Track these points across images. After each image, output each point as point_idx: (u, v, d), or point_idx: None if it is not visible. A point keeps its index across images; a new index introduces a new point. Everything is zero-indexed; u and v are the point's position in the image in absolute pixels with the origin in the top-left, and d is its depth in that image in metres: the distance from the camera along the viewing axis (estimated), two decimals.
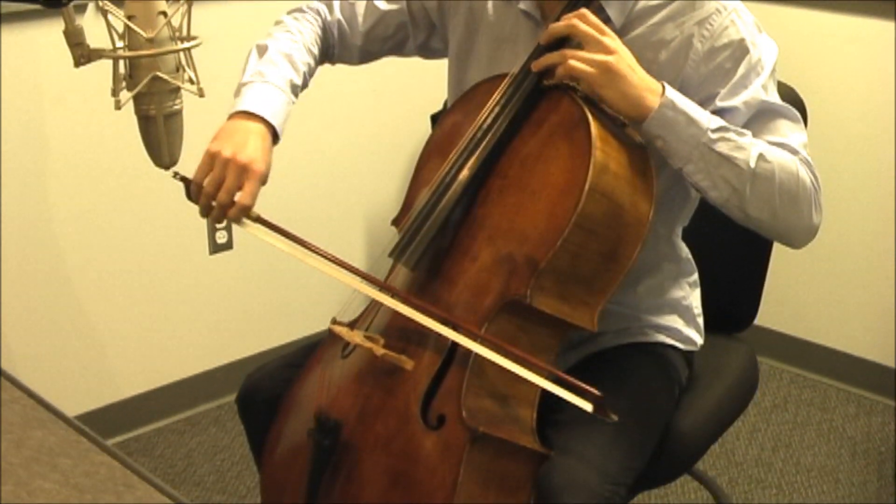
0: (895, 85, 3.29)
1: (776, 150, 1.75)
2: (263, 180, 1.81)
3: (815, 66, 3.44)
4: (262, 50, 1.99)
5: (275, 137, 1.89)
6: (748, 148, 1.72)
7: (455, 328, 1.70)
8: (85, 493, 1.20)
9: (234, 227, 1.84)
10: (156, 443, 3.28)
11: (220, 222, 1.80)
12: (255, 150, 1.81)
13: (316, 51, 2.08)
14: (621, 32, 1.82)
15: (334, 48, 2.14)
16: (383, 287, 1.79)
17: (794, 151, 1.77)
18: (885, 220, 3.40)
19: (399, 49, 2.17)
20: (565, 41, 1.79)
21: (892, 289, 3.43)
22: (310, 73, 2.06)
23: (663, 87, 1.72)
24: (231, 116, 1.87)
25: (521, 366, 1.68)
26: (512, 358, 1.68)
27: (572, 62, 1.73)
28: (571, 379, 1.68)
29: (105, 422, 3.17)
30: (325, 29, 2.12)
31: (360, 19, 2.12)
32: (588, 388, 1.66)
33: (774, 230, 1.82)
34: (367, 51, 2.16)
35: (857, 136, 3.42)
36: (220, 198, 1.77)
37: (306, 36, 2.06)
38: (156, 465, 3.16)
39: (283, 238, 1.78)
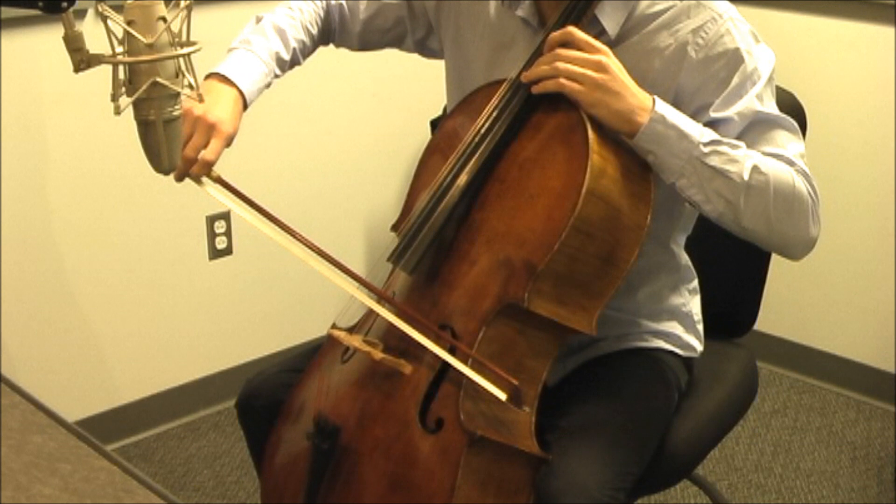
0: (895, 90, 3.29)
1: (771, 162, 1.74)
2: (229, 141, 1.84)
3: (815, 71, 3.44)
4: (258, 20, 2.05)
5: (245, 105, 1.93)
6: (741, 160, 1.72)
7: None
8: (84, 498, 1.20)
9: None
10: (155, 448, 3.28)
11: (180, 181, 1.82)
12: (225, 112, 1.85)
13: (314, 31, 2.10)
14: (616, 42, 1.82)
15: (335, 31, 2.17)
16: (355, 277, 1.79)
17: (791, 162, 1.76)
18: (885, 225, 3.40)
19: (398, 43, 2.18)
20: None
21: (892, 294, 3.43)
22: (303, 52, 2.10)
23: (654, 101, 1.72)
24: (208, 76, 1.90)
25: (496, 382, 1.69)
26: (503, 381, 1.69)
27: (564, 81, 1.73)
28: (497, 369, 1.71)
29: (105, 427, 3.17)
30: (328, 11, 2.14)
31: (362, 6, 2.14)
32: (506, 376, 1.69)
33: (771, 242, 1.81)
34: (365, 39, 2.17)
35: (858, 141, 3.42)
36: (185, 153, 1.79)
37: (306, 14, 2.09)
38: (155, 471, 3.15)
39: (243, 203, 1.79)
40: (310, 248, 1.79)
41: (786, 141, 1.79)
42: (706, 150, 1.71)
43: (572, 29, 1.76)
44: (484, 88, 1.89)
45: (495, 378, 1.70)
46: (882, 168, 3.37)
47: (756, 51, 1.80)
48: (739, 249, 2.06)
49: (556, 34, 1.77)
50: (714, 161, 1.71)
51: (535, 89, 1.77)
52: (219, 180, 1.82)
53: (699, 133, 1.72)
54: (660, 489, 2.13)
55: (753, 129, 1.78)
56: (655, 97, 1.72)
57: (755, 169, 1.71)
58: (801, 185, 1.75)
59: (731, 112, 1.77)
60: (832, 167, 3.29)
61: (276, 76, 2.04)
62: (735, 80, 1.77)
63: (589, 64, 1.72)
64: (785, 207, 1.74)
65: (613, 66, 1.73)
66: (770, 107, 1.80)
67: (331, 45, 2.22)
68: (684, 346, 2.06)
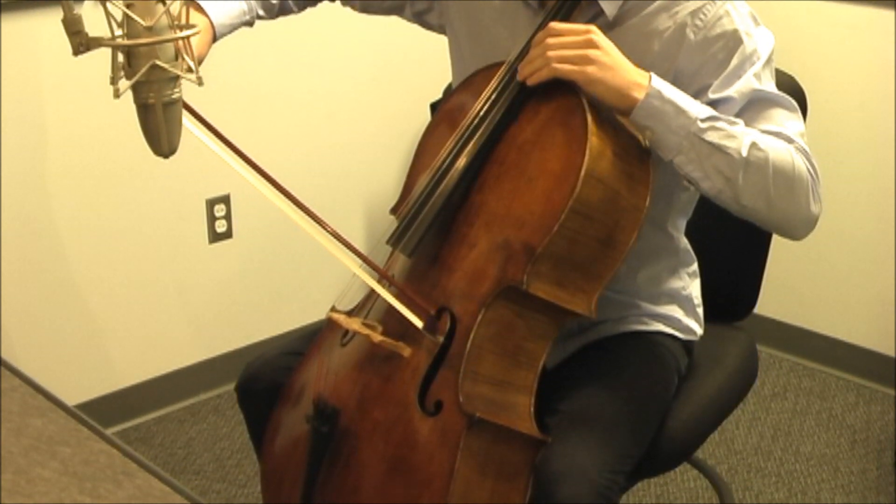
0: (895, 74, 3.29)
1: (770, 139, 1.74)
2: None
3: (816, 54, 3.43)
4: None
5: (215, 37, 1.93)
6: (739, 136, 1.71)
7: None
8: (84, 481, 1.20)
9: None
10: (155, 431, 3.28)
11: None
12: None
13: None
14: (614, 24, 1.82)
15: None
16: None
17: (790, 140, 1.76)
18: (886, 209, 3.40)
19: (398, 11, 2.18)
20: (555, 16, 1.80)
21: (892, 278, 3.43)
22: (298, 1, 2.11)
23: (650, 76, 1.72)
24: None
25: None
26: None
27: (556, 65, 1.72)
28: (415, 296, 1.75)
29: (105, 411, 3.17)
30: None
31: None
32: (423, 304, 1.73)
33: (771, 221, 1.80)
34: (366, 2, 2.18)
35: (858, 124, 3.41)
36: None
37: None
38: (155, 454, 3.16)
39: (206, 130, 1.75)
40: (272, 183, 1.73)
41: (784, 119, 1.78)
42: (704, 125, 1.70)
43: (553, 24, 1.76)
44: (483, 70, 1.89)
45: (416, 307, 1.74)
46: (882, 151, 3.37)
47: (755, 32, 1.79)
48: (740, 233, 2.07)
49: (539, 34, 1.77)
50: (712, 137, 1.70)
51: (530, 80, 1.76)
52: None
53: (697, 109, 1.71)
54: (659, 472, 2.14)
55: (751, 108, 1.77)
56: (652, 73, 1.72)
57: (754, 146, 1.71)
58: (801, 162, 1.74)
59: (729, 92, 1.76)
60: (832, 151, 3.29)
61: (261, 17, 2.06)
62: (734, 61, 1.77)
63: (578, 43, 1.72)
64: (785, 184, 1.73)
65: (603, 41, 1.72)
66: (769, 86, 1.80)
67: (330, 23, 2.21)
68: (684, 329, 2.06)
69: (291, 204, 1.73)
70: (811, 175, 1.76)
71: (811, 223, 1.80)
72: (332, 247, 1.74)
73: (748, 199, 1.74)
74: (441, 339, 1.72)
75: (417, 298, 1.75)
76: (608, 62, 1.71)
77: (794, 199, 1.75)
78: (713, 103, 1.76)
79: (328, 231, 1.74)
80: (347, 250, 1.75)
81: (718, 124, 1.71)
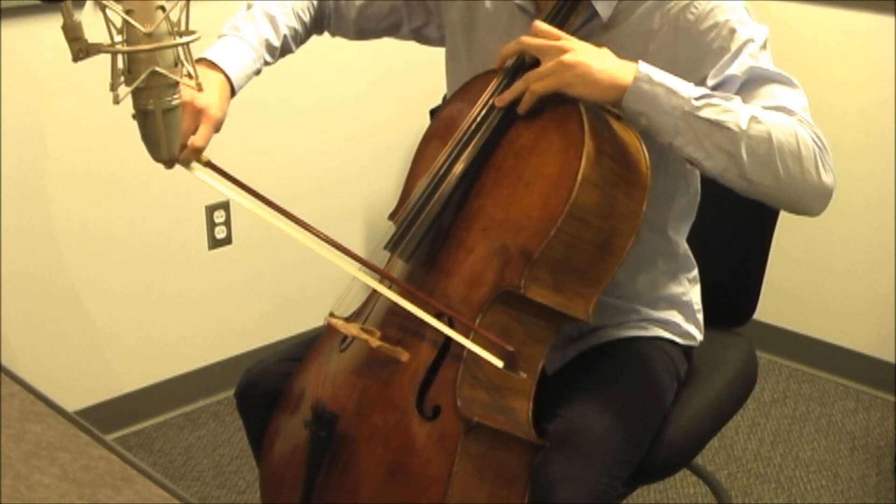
0: (895, 80, 3.29)
1: (770, 112, 1.71)
2: (217, 127, 1.82)
3: (815, 60, 3.44)
4: (248, 7, 2.03)
5: (232, 91, 1.92)
6: (737, 110, 1.68)
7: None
8: (83, 487, 1.20)
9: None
10: (155, 438, 3.28)
11: (170, 167, 1.79)
12: (212, 97, 1.83)
13: (306, 18, 2.10)
14: (609, 25, 1.82)
15: (329, 18, 2.16)
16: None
17: (791, 112, 1.72)
18: (885, 215, 3.40)
19: (394, 31, 2.17)
20: (552, 21, 1.81)
21: (892, 284, 3.43)
22: (295, 39, 2.09)
23: (637, 63, 1.70)
24: (196, 62, 1.89)
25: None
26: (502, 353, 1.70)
27: (533, 86, 1.73)
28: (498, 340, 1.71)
29: (104, 417, 3.18)
30: None
31: None
32: (500, 342, 1.70)
33: (783, 196, 1.74)
34: (361, 27, 2.16)
35: (857, 130, 3.41)
36: None
37: (297, 1, 2.08)
38: (155, 460, 3.16)
39: (233, 186, 1.78)
40: (307, 229, 1.77)
41: (784, 95, 1.75)
42: (698, 103, 1.68)
43: (536, 23, 1.77)
44: (481, 76, 1.89)
45: (491, 346, 1.71)
46: (882, 157, 3.37)
47: (748, 21, 1.78)
48: (739, 239, 2.06)
49: (509, 46, 1.78)
50: (708, 113, 1.67)
51: (520, 109, 1.77)
52: (209, 164, 1.80)
53: (689, 89, 1.69)
54: (659, 478, 2.13)
55: (749, 86, 1.75)
56: (640, 60, 1.71)
57: (753, 118, 1.67)
58: (804, 132, 1.71)
59: (726, 74, 1.75)
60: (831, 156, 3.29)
61: (267, 63, 2.03)
62: (730, 48, 1.75)
63: (553, 51, 1.72)
64: (791, 155, 1.69)
65: (577, 44, 1.72)
66: (766, 65, 1.77)
67: (327, 35, 2.21)
68: (684, 334, 2.06)
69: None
70: (817, 145, 1.73)
71: (825, 195, 1.76)
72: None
73: (755, 174, 1.69)
74: (524, 375, 1.72)
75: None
76: (582, 59, 1.69)
77: (803, 170, 1.71)
78: (713, 89, 1.74)
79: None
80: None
81: (713, 100, 1.68)
